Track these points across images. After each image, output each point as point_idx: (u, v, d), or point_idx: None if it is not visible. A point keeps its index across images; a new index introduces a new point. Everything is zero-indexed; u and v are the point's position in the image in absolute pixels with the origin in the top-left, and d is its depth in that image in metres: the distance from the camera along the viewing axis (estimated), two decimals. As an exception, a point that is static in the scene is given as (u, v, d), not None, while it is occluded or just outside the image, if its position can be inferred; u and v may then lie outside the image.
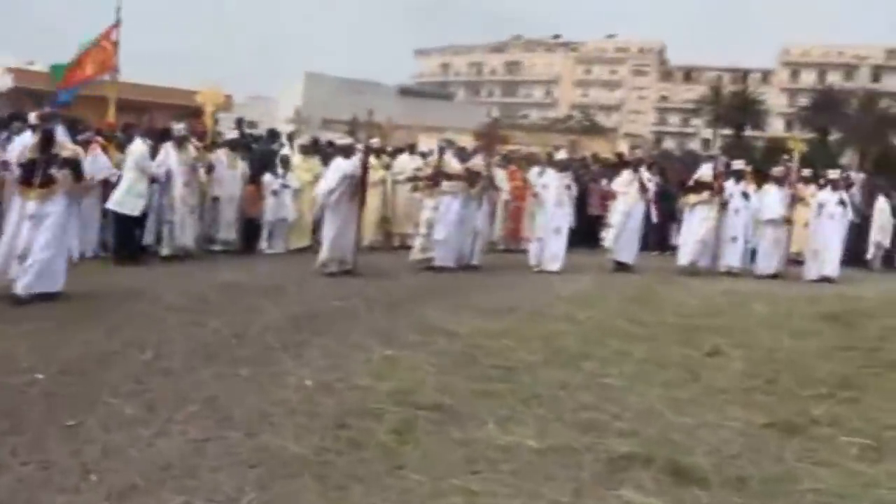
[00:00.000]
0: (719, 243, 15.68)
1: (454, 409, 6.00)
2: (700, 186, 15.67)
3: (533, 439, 5.48)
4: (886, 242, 18.80)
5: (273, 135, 19.11)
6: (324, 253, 12.65)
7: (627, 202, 15.40)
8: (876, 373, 8.16)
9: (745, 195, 15.94)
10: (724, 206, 15.50)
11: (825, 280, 15.56)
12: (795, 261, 16.48)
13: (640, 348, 8.54)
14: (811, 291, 13.94)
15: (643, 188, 15.39)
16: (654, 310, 11.04)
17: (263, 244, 14.83)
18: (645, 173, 15.87)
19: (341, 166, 12.71)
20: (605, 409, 6.33)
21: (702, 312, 11.09)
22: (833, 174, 17.35)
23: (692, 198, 15.71)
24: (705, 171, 15.90)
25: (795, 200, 15.89)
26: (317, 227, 14.26)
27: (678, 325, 10.05)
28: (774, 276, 15.63)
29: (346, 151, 13.04)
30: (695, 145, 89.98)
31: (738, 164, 16.58)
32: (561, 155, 16.40)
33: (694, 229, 15.44)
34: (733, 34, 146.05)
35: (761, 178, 17.41)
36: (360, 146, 13.40)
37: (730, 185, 15.80)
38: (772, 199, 16.04)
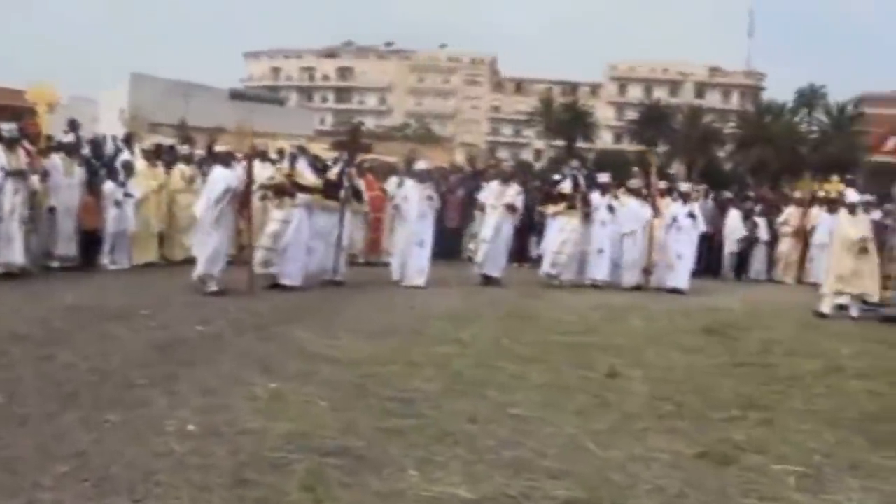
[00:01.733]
0: (585, 256, 15.52)
1: (363, 453, 5.32)
2: (559, 197, 15.43)
3: (462, 487, 4.87)
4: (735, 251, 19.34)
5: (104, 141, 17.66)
6: (200, 268, 11.71)
7: (496, 216, 15.01)
8: (777, 391, 7.98)
9: (611, 208, 15.81)
10: (587, 216, 15.38)
11: (676, 292, 15.57)
12: (646, 271, 16.33)
13: (535, 371, 8.09)
14: (679, 305, 13.89)
15: (511, 206, 15.05)
16: (533, 327, 10.66)
17: (105, 259, 13.60)
18: (514, 186, 15.54)
19: (225, 177, 11.81)
20: (526, 446, 5.79)
21: (582, 329, 10.76)
22: (685, 187, 17.59)
23: (551, 208, 15.47)
24: (565, 183, 15.70)
25: (657, 213, 15.88)
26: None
27: (564, 343, 9.67)
28: (637, 288, 15.57)
29: (225, 160, 12.15)
30: (527, 155, 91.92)
31: (604, 178, 16.45)
32: (421, 165, 15.82)
33: (554, 239, 15.17)
34: (562, 48, 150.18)
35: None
36: (239, 154, 12.49)
37: (595, 198, 15.68)
38: (630, 211, 15.95)
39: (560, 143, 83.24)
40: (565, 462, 5.52)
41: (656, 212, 15.85)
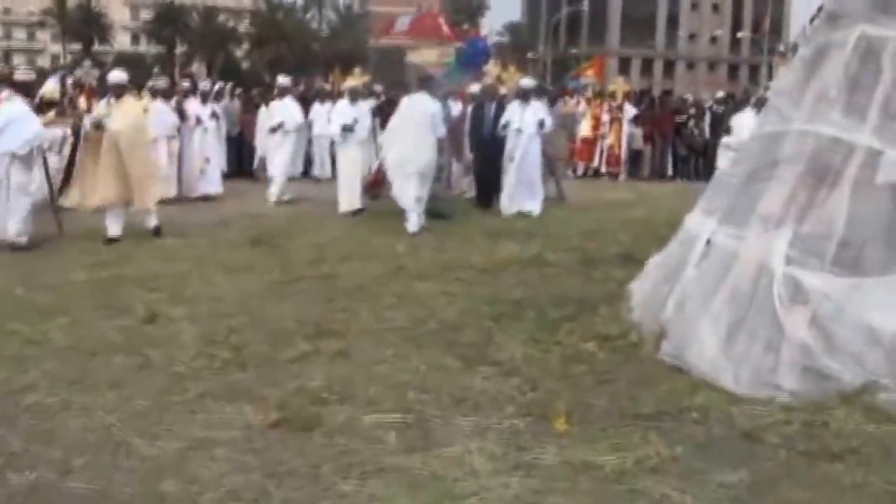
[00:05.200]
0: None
1: None
2: (47, 105, 12.22)
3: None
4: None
5: None
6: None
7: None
8: (344, 308, 6.70)
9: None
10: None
11: (208, 199, 13.65)
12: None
13: (57, 329, 6.04)
14: (216, 214, 12.04)
15: None
16: (54, 268, 8.35)
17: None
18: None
19: None
20: (43, 458, 3.90)
21: (112, 258, 8.72)
22: (204, 85, 15.69)
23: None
24: (50, 87, 12.67)
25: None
26: None
27: (91, 281, 7.63)
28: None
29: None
30: (44, 62, 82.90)
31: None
32: None
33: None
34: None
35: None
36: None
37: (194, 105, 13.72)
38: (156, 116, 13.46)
39: (77, 46, 76.07)
40: (97, 476, 3.74)
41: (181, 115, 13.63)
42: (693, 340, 5.36)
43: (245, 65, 74.08)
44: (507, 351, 5.64)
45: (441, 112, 11.17)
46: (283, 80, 14.81)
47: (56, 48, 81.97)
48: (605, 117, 19.50)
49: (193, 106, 14.00)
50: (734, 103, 19.88)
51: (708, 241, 5.80)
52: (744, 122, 12.01)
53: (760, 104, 19.54)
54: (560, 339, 5.90)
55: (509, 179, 12.23)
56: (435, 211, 11.50)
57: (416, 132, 10.60)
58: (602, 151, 19.53)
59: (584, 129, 19.58)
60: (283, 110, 13.90)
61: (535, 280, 7.88)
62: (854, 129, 5.13)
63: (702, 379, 5.12)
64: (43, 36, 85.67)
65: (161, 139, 12.72)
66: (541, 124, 12.22)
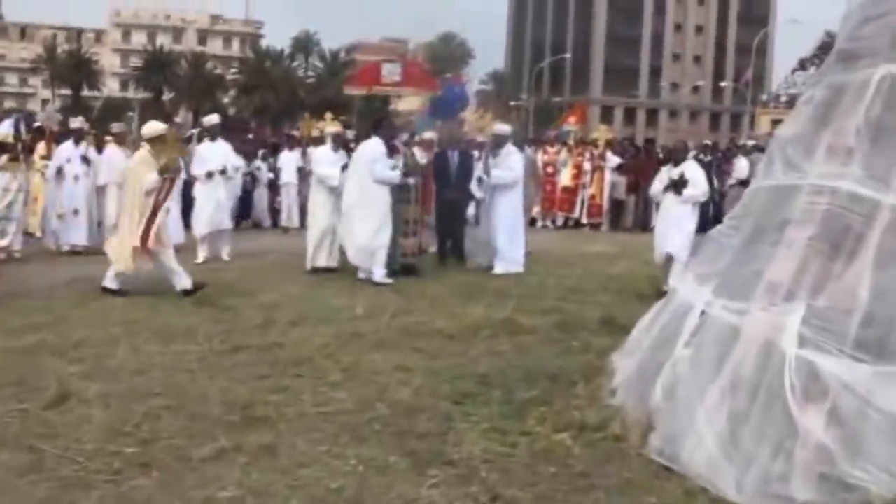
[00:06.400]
0: (51, 218, 12.08)
1: None
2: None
3: None
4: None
5: None
6: None
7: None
8: (283, 387, 5.70)
9: (86, 160, 12.27)
10: (59, 172, 11.99)
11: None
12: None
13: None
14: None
15: None
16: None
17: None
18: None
19: None
20: None
21: (46, 320, 7.71)
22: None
23: None
24: (3, 130, 11.54)
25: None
26: None
27: (9, 349, 6.63)
28: None
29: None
30: (35, 105, 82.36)
31: (77, 123, 12.79)
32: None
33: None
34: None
35: (101, 140, 14.11)
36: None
37: (67, 148, 12.25)
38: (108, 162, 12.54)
39: (66, 91, 75.65)
40: None
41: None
42: (687, 435, 4.40)
43: (231, 111, 73.60)
44: (466, 446, 4.64)
45: (393, 158, 10.35)
46: (211, 119, 12.65)
47: (47, 93, 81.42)
48: (587, 166, 18.67)
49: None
50: (723, 152, 19.24)
51: (702, 313, 4.86)
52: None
53: (750, 152, 19.11)
54: (529, 428, 4.92)
55: (481, 235, 11.33)
56: (406, 266, 10.59)
57: (360, 177, 10.00)
58: (583, 201, 18.67)
59: (566, 177, 18.74)
60: (212, 153, 11.86)
61: (506, 349, 6.90)
62: (878, 184, 4.22)
63: (698, 484, 4.16)
64: (34, 81, 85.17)
65: (111, 185, 11.76)
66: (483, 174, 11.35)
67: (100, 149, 13.12)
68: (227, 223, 11.97)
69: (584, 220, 18.58)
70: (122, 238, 8.91)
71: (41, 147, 13.43)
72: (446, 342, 7.10)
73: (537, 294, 9.47)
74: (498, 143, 11.60)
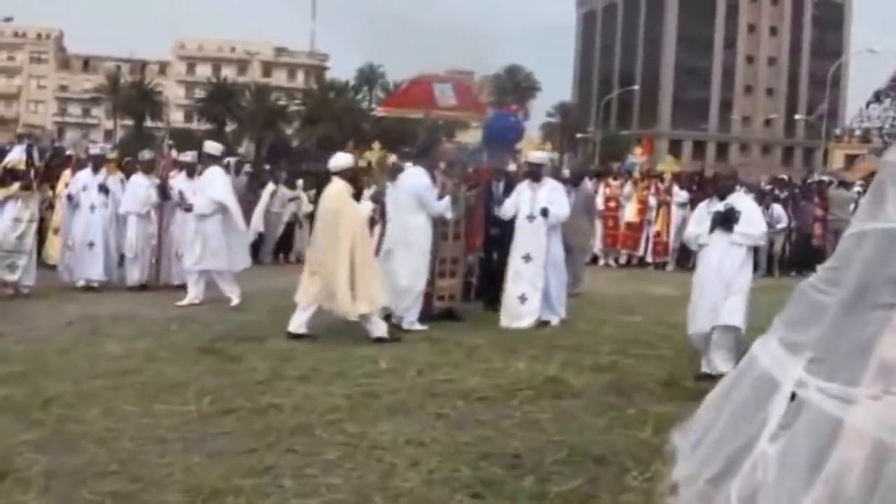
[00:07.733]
0: (79, 250, 11.29)
1: None
2: (10, 175, 10.58)
3: None
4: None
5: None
6: None
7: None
8: (266, 467, 4.70)
9: (104, 188, 11.45)
10: (70, 199, 11.27)
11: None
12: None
13: None
14: (184, 312, 10.23)
15: None
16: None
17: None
18: None
19: None
20: None
21: (29, 366, 6.86)
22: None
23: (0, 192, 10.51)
24: (15, 156, 10.82)
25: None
26: None
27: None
28: (144, 287, 11.44)
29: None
30: (97, 136, 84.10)
31: (96, 149, 12.06)
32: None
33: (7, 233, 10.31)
34: (130, 25, 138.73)
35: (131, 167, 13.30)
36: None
37: (84, 175, 11.52)
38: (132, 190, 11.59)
39: (129, 122, 76.86)
40: None
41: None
42: (771, 564, 3.27)
43: (295, 143, 73.83)
44: (478, 564, 3.59)
45: (433, 189, 9.30)
46: (211, 146, 11.42)
47: (110, 124, 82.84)
48: (653, 201, 17.46)
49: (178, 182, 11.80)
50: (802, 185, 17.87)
51: (793, 396, 3.72)
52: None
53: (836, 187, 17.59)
54: (563, 536, 3.84)
55: (514, 284, 9.60)
56: (444, 311, 9.59)
57: (402, 212, 9.13)
58: (648, 238, 17.45)
59: (630, 213, 17.55)
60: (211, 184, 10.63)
61: (546, 417, 5.82)
62: None
63: None
64: (97, 111, 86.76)
65: (132, 215, 11.00)
66: (543, 212, 9.48)
67: (128, 176, 12.29)
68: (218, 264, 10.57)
69: (649, 259, 17.35)
70: (339, 282, 8.25)
71: (66, 175, 12.79)
72: (476, 406, 6.05)
73: (591, 346, 8.33)
74: (532, 172, 9.89)
